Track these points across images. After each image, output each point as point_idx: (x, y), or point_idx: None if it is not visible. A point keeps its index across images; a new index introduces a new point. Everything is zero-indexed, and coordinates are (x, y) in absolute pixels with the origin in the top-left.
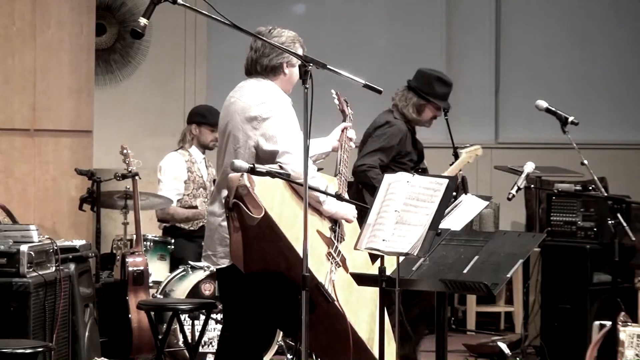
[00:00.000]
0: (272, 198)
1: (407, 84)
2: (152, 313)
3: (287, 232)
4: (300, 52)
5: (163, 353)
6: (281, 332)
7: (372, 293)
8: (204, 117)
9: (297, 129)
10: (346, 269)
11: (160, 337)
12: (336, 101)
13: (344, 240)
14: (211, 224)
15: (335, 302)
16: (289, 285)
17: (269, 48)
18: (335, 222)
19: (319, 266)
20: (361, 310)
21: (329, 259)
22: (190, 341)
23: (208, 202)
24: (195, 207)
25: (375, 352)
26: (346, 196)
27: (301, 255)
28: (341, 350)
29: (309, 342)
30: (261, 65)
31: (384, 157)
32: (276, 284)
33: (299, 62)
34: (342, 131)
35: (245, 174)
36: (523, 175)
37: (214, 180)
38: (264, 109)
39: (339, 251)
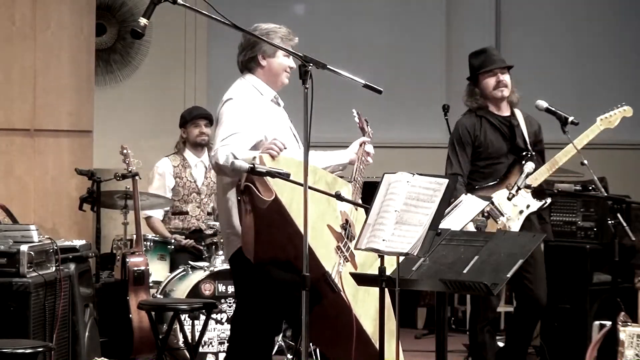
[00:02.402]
0: (284, 184)
1: None
2: (153, 313)
3: (296, 219)
4: (277, 42)
5: (164, 353)
6: (281, 332)
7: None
8: (184, 118)
9: (234, 123)
10: (355, 265)
11: (160, 337)
12: (356, 119)
13: (354, 239)
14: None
15: (342, 293)
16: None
17: (244, 44)
18: (346, 221)
19: (327, 257)
20: (368, 307)
21: (337, 253)
22: (190, 341)
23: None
24: (186, 213)
25: None
26: (359, 200)
27: (312, 245)
28: (345, 343)
29: (313, 335)
30: (239, 63)
31: (455, 162)
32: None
33: (279, 51)
34: (361, 145)
35: (258, 157)
36: (523, 175)
37: None
38: (220, 109)
39: (349, 247)
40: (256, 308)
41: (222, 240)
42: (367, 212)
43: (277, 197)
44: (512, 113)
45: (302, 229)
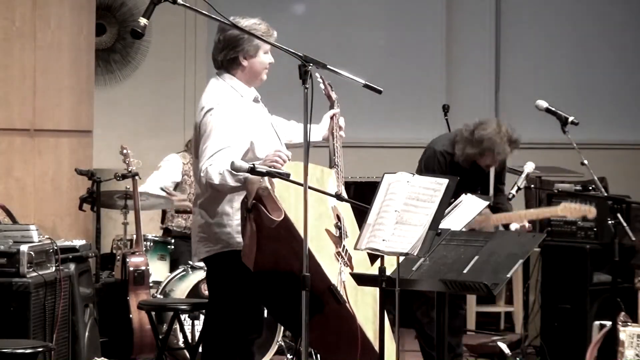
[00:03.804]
0: (289, 198)
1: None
2: (153, 313)
3: (303, 233)
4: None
5: (164, 353)
6: (281, 332)
7: (375, 290)
8: None
9: (221, 137)
10: (352, 267)
11: (161, 337)
12: (322, 86)
13: (347, 236)
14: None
15: (347, 304)
16: (299, 284)
17: (225, 42)
18: (338, 219)
19: (330, 267)
20: (367, 308)
21: (337, 259)
22: (190, 341)
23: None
24: (190, 212)
25: None
26: (343, 189)
27: (316, 257)
28: (348, 350)
29: (314, 341)
30: (217, 62)
31: None
32: (285, 283)
33: (262, 50)
34: (331, 118)
35: (266, 179)
36: (523, 175)
37: None
38: (200, 114)
39: (346, 249)
40: (232, 311)
41: None
42: (367, 212)
43: (286, 216)
44: None
45: (308, 244)
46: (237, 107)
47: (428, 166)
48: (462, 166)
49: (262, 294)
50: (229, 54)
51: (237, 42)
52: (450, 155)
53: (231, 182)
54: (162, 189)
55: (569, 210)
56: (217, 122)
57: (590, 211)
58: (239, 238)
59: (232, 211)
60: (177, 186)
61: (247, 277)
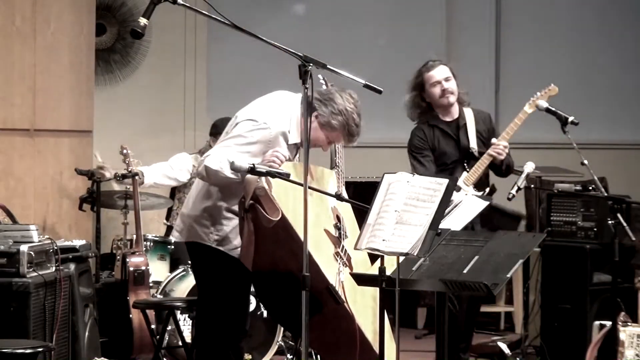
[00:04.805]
0: (287, 198)
1: None
2: (154, 313)
3: (301, 235)
4: (334, 123)
5: (160, 352)
6: (281, 332)
7: (374, 290)
8: (215, 127)
9: (240, 150)
10: (351, 267)
11: (157, 336)
12: (324, 87)
13: (347, 237)
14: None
15: (345, 304)
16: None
17: (324, 93)
18: (338, 219)
19: (328, 267)
20: (366, 308)
21: (336, 259)
22: (189, 340)
23: None
24: None
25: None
26: (344, 190)
27: (314, 257)
28: (347, 350)
29: (314, 341)
30: (311, 96)
31: (420, 167)
32: (283, 283)
33: (335, 132)
34: None
35: (263, 179)
36: (523, 175)
37: None
38: (245, 114)
39: (345, 250)
40: (218, 292)
41: None
42: (367, 212)
43: (283, 216)
44: (461, 113)
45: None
46: (273, 137)
47: (412, 146)
48: (439, 128)
49: (260, 294)
50: (315, 101)
51: (327, 101)
52: (425, 124)
53: (228, 173)
54: (155, 183)
55: (533, 105)
56: (248, 136)
57: (553, 89)
58: (216, 236)
59: (217, 210)
60: (183, 187)
61: (223, 272)
